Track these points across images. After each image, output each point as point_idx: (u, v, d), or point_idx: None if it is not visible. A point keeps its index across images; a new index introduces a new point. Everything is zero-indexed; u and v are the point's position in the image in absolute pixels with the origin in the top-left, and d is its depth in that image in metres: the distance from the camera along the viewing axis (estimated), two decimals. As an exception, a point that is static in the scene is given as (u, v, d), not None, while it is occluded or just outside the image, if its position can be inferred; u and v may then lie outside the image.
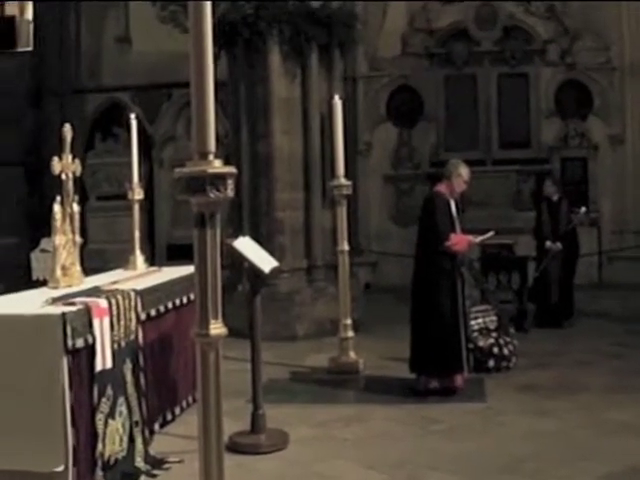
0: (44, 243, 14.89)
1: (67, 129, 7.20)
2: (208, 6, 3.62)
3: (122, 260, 8.83)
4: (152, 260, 11.12)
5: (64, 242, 7.19)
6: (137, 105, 18.53)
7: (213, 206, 3.57)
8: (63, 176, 7.18)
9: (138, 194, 8.51)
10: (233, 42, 12.17)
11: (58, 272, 7.13)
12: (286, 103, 12.34)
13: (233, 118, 12.56)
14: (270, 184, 12.24)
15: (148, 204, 16.41)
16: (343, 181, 9.91)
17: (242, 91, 12.41)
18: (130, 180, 8.50)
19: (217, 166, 3.55)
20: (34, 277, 14.98)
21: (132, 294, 6.75)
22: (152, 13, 18.89)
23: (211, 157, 3.56)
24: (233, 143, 12.48)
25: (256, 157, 12.35)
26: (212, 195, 3.52)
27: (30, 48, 20.86)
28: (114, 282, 7.32)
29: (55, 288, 6.95)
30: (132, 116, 8.50)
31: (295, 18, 12.03)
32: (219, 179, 3.53)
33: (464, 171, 8.72)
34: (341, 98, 10.23)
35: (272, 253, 8.10)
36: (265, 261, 7.31)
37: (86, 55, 19.49)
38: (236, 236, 7.92)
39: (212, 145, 3.57)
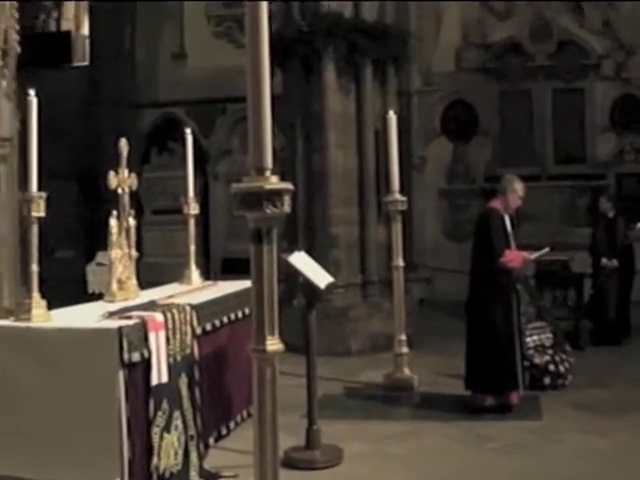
0: (100, 256, 14.99)
1: (123, 144, 7.26)
2: (265, 23, 3.62)
3: (177, 274, 8.85)
4: (207, 274, 11.15)
5: (120, 256, 7.24)
6: (192, 119, 18.65)
7: (270, 222, 3.58)
8: (119, 190, 7.23)
9: (194, 208, 8.53)
10: (288, 58, 12.21)
11: (114, 286, 7.17)
12: (341, 118, 12.35)
13: (288, 133, 12.58)
14: (325, 199, 12.24)
15: (203, 218, 16.49)
16: (398, 196, 9.88)
17: (297, 106, 12.44)
18: (186, 194, 8.53)
19: (274, 182, 3.56)
20: (90, 290, 15.08)
21: (188, 308, 6.76)
22: (207, 29, 19.11)
23: (268, 173, 3.56)
24: (288, 158, 12.49)
25: (311, 172, 12.37)
26: (269, 211, 3.52)
27: (86, 63, 21.09)
28: (170, 296, 7.34)
29: (111, 302, 6.99)
30: (187, 131, 8.53)
31: (350, 34, 12.04)
32: (276, 195, 3.53)
33: (519, 187, 8.66)
34: (395, 113, 10.21)
35: (327, 268, 8.08)
36: (321, 276, 7.30)
37: (141, 70, 19.67)
38: (291, 251, 7.92)
39: (269, 161, 3.57)
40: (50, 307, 6.26)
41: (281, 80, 12.38)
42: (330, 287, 7.60)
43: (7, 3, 13.64)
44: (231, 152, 18.99)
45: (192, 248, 8.55)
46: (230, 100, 17.92)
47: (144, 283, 7.82)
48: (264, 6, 3.61)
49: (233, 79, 15.81)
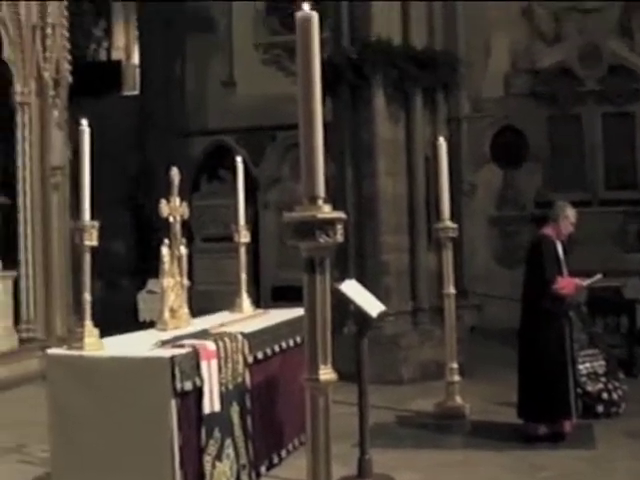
0: (151, 284, 15.08)
1: (175, 173, 7.30)
2: (316, 50, 3.62)
3: (228, 302, 8.86)
4: (257, 302, 11.16)
5: (172, 284, 7.27)
6: (242, 147, 18.73)
7: (323, 251, 3.56)
8: (171, 219, 7.27)
9: (244, 237, 8.55)
10: (338, 85, 12.22)
11: (166, 314, 7.19)
12: (391, 145, 12.34)
13: (338, 160, 12.57)
14: (375, 226, 12.22)
15: (253, 245, 16.54)
16: (449, 223, 9.83)
17: (347, 133, 12.44)
18: (236, 222, 8.54)
19: (326, 211, 3.54)
20: (141, 318, 15.18)
21: (239, 337, 6.77)
22: (256, 57, 19.23)
23: (320, 202, 3.55)
24: (338, 185, 12.49)
25: (361, 199, 12.35)
26: (322, 240, 3.50)
27: (136, 92, 21.30)
28: (221, 324, 7.35)
29: (163, 330, 7.01)
30: (238, 159, 8.55)
31: (399, 61, 12.05)
32: (328, 224, 3.52)
33: (571, 213, 8.61)
34: (445, 139, 10.18)
35: (377, 295, 8.05)
36: (372, 305, 7.28)
37: (191, 98, 19.83)
38: (343, 279, 7.91)
39: (321, 190, 3.56)
40: (102, 335, 6.30)
41: (330, 107, 12.40)
42: (381, 315, 7.57)
43: (58, 33, 13.83)
44: (281, 180, 19.06)
45: (243, 276, 8.57)
46: (280, 128, 18.02)
47: (195, 310, 7.84)
48: (316, 34, 3.61)
49: (282, 106, 15.91)
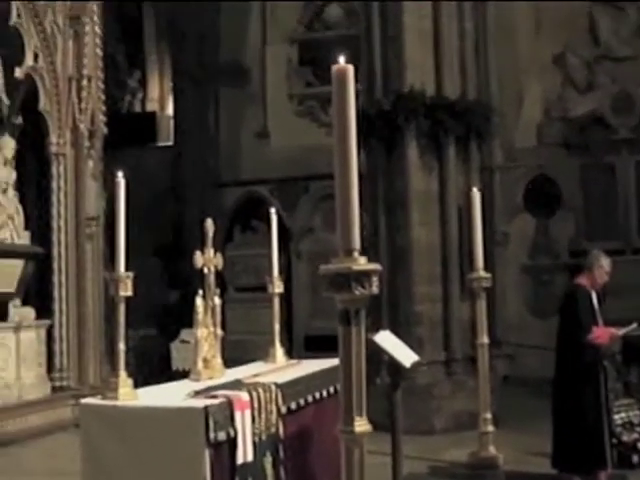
0: (184, 334, 15.10)
1: (209, 224, 7.32)
2: (352, 102, 3.66)
3: (261, 352, 8.85)
4: (290, 351, 11.15)
5: (206, 335, 7.26)
6: (275, 198, 18.82)
7: (358, 303, 3.58)
8: (205, 270, 7.29)
9: (278, 287, 8.54)
10: (371, 136, 12.27)
11: (200, 364, 7.19)
12: (424, 195, 12.36)
13: (371, 210, 12.59)
14: (408, 276, 12.21)
15: (286, 295, 16.53)
16: (482, 273, 9.80)
17: (381, 184, 12.47)
18: (270, 273, 8.55)
19: (362, 263, 3.56)
20: (174, 367, 15.19)
21: (273, 387, 6.75)
22: (289, 108, 19.35)
23: (356, 254, 3.57)
24: (371, 235, 12.50)
25: (394, 249, 12.36)
26: (357, 292, 3.52)
27: (170, 143, 21.47)
28: (255, 375, 7.33)
29: (197, 380, 7.00)
30: (272, 210, 8.56)
31: (432, 111, 12.10)
32: (364, 276, 3.53)
33: (605, 262, 8.57)
34: (479, 189, 10.19)
35: (410, 345, 8.05)
36: (406, 355, 7.27)
37: (225, 149, 19.95)
38: (376, 329, 7.90)
39: (357, 242, 3.58)
40: (135, 384, 6.31)
41: (364, 158, 12.44)
42: (415, 365, 7.55)
43: (94, 85, 14.00)
44: (314, 230, 19.09)
45: (277, 326, 8.55)
46: (313, 178, 18.11)
47: (228, 360, 7.84)
48: (351, 86, 3.65)
49: (315, 157, 16.00)
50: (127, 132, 20.06)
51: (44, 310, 13.27)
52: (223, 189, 19.74)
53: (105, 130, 14.20)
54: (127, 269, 6.28)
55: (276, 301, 8.54)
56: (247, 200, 19.59)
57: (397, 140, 12.23)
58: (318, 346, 15.01)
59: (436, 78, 12.50)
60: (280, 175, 18.85)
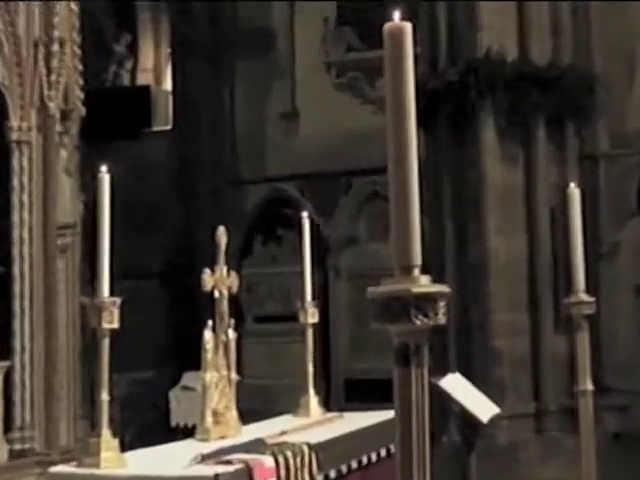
0: (186, 378, 15.14)
1: (221, 233, 7.31)
2: (410, 70, 3.62)
3: (290, 402, 8.85)
4: (327, 401, 11.13)
5: (217, 380, 7.26)
6: (307, 199, 18.80)
7: (420, 336, 3.53)
8: (216, 293, 7.28)
9: (312, 316, 8.52)
10: (433, 117, 12.26)
11: (209, 419, 7.18)
12: (504, 193, 12.34)
13: (434, 214, 12.57)
14: (484, 302, 12.19)
15: (321, 326, 16.55)
16: (584, 297, 9.72)
17: (446, 179, 12.47)
18: (301, 297, 8.53)
19: (424, 284, 3.51)
20: (173, 422, 15.22)
21: (305, 449, 6.74)
22: (325, 81, 19.34)
23: (416, 272, 3.52)
24: (434, 247, 12.48)
25: (464, 266, 12.34)
26: (418, 322, 3.47)
27: (169, 127, 21.49)
28: (282, 433, 7.33)
29: (205, 440, 7.00)
30: (304, 214, 8.55)
31: (515, 83, 12.07)
32: (427, 301, 3.48)
33: None
34: (578, 186, 10.12)
35: (488, 393, 8.01)
36: (482, 406, 7.23)
37: (242, 136, 19.95)
38: (443, 372, 7.87)
39: (417, 256, 3.53)
40: (123, 447, 6.30)
41: (424, 145, 12.40)
42: (494, 420, 7.52)
43: (68, 51, 14.04)
44: (357, 240, 19.06)
45: (310, 368, 8.54)
46: (356, 172, 18.08)
47: (245, 412, 7.84)
48: (409, 50, 3.60)
49: (360, 145, 16.00)
50: (112, 113, 20.12)
51: (1, 348, 13.30)
52: (239, 188, 19.76)
53: (83, 110, 14.21)
54: (113, 293, 6.28)
55: (309, 334, 8.55)
56: (271, 202, 19.60)
57: (468, 121, 12.22)
58: (364, 394, 14.98)
59: (520, 39, 12.48)
60: (313, 169, 18.84)
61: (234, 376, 7.40)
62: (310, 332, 8.57)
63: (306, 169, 18.92)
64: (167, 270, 19.41)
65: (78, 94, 14.14)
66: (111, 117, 19.72)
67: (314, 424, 8.04)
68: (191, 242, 18.52)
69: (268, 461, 6.21)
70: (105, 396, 6.23)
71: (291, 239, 17.09)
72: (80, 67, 14.27)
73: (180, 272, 18.20)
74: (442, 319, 3.52)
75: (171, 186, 20.02)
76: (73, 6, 14.19)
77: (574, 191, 9.93)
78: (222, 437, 7.08)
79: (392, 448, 6.87)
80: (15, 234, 13.64)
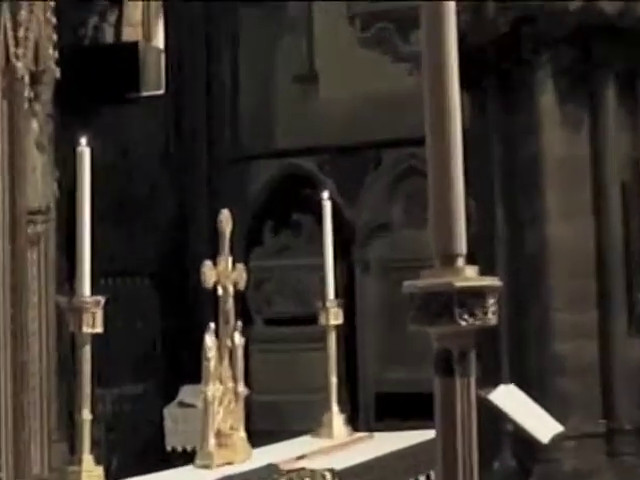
0: (184, 393, 15.21)
1: (225, 217, 7.33)
2: (452, 21, 3.62)
3: (309, 420, 8.89)
4: (354, 418, 11.16)
5: (221, 394, 7.29)
6: (328, 176, 18.78)
7: (465, 340, 3.54)
8: (219, 290, 7.30)
9: (334, 317, 8.54)
10: (479, 78, 12.25)
11: (211, 442, 7.21)
12: (566, 167, 12.31)
13: (482, 194, 12.55)
14: (542, 298, 12.17)
15: (346, 329, 16.56)
16: (663, 292, 9.77)
17: (495, 151, 12.45)
18: (322, 295, 8.55)
19: (470, 277, 3.52)
20: (168, 446, 15.29)
21: (328, 476, 6.76)
22: (349, 36, 19.30)
23: (461, 263, 3.53)
24: (481, 232, 12.46)
25: (519, 255, 12.32)
26: (463, 322, 3.48)
27: (162, 92, 21.50)
28: (299, 457, 7.35)
29: (207, 467, 7.04)
30: (324, 195, 8.56)
31: (579, 33, 12.05)
32: (474, 297, 3.49)
33: None
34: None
35: (548, 408, 8.03)
36: (541, 424, 7.24)
37: (249, 103, 19.95)
38: (493, 383, 7.88)
39: (462, 244, 3.53)
40: (109, 476, 6.33)
41: (469, 111, 12.39)
42: (556, 440, 7.53)
43: (38, 3, 14.07)
44: (389, 226, 19.05)
45: (333, 380, 8.56)
46: (387, 144, 18.08)
47: (254, 433, 7.87)
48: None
49: (391, 112, 16.00)
50: (93, 75, 20.15)
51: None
52: (247, 165, 19.76)
53: (57, 72, 14.25)
54: (95, 291, 6.30)
55: (332, 339, 8.58)
56: (283, 181, 19.62)
57: (523, 81, 12.20)
58: (398, 410, 15.04)
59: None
60: (335, 141, 18.84)
61: (242, 389, 7.43)
62: (333, 336, 8.59)
63: (326, 141, 18.93)
64: (160, 264, 19.44)
65: (51, 53, 14.15)
66: (91, 80, 19.76)
67: (338, 447, 8.07)
68: (188, 230, 18.56)
69: (283, 492, 6.25)
70: (87, 415, 6.26)
71: (309, 225, 17.16)
72: (54, 20, 14.28)
73: (175, 266, 18.25)
74: (492, 319, 3.53)
75: (163, 162, 20.06)
76: (44, -55, 14.23)
77: (651, 163, 9.95)
78: (228, 463, 7.11)
79: (432, 475, 6.91)
80: (-25, 221, 13.71)
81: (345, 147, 18.85)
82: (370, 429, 9.10)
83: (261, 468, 6.89)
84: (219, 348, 7.24)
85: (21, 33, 13.82)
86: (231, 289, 7.34)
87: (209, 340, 7.14)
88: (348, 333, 17.46)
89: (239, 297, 7.59)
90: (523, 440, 7.07)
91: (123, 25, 23.55)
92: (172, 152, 20.09)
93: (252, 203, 19.45)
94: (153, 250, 19.51)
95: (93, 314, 6.24)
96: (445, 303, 3.48)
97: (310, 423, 8.78)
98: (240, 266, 7.40)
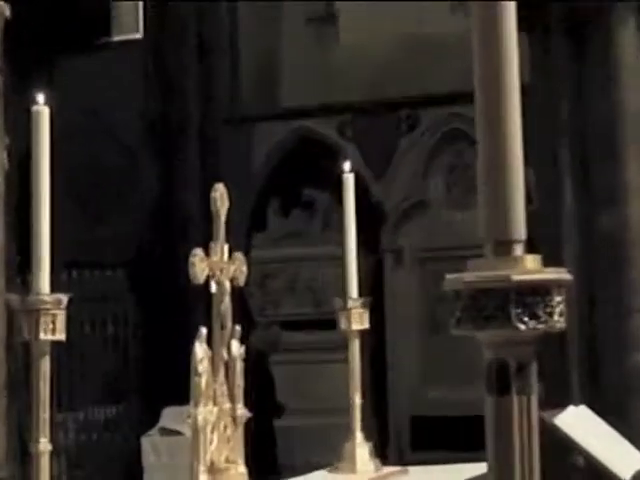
0: (167, 417, 15.22)
1: (220, 193, 7.32)
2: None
3: (326, 450, 8.91)
4: (383, 448, 11.18)
5: (214, 418, 7.29)
6: (349, 141, 18.79)
7: (524, 348, 3.53)
8: (212, 286, 7.30)
9: (359, 320, 8.55)
10: (542, 18, 12.27)
11: (203, 477, 7.22)
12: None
13: (544, 165, 12.55)
14: (622, 294, 12.18)
15: (375, 335, 16.59)
16: None
17: (562, 111, 12.46)
18: (343, 293, 8.55)
19: (532, 268, 3.50)
20: (147, 481, 15.32)
21: (350, 522, 6.81)
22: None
23: (519, 251, 3.51)
24: (545, 214, 12.46)
25: (592, 242, 12.33)
26: (522, 326, 3.46)
27: (139, 36, 21.52)
28: (314, 498, 7.39)
29: (199, 511, 7.06)
30: (345, 167, 8.54)
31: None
32: (536, 294, 3.48)
33: None
34: None
35: (628, 434, 8.03)
36: (621, 456, 7.23)
37: (251, 51, 19.98)
38: (560, 404, 7.88)
39: (521, 228, 3.52)
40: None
41: (528, 61, 12.38)
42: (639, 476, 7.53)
43: None
44: (428, 206, 19.06)
45: (357, 399, 8.57)
46: (424, 103, 18.09)
47: (258, 467, 7.88)
48: None
49: (429, 60, 16.03)
50: (54, 16, 20.19)
51: None
52: (248, 128, 19.80)
53: (7, 11, 14.30)
54: (56, 287, 6.29)
55: (355, 347, 8.58)
56: (294, 148, 19.65)
57: (596, 23, 12.21)
58: (439, 438, 15.05)
59: None
60: (358, 98, 18.87)
61: (241, 412, 7.42)
62: (356, 345, 8.58)
63: (347, 97, 18.96)
64: (137, 253, 19.47)
65: (-1, -13, 14.25)
66: (52, 22, 19.78)
67: (363, 484, 8.09)
68: (174, 211, 18.58)
69: (293, 540, 6.29)
70: (44, 446, 6.25)
71: (325, 205, 17.17)
72: (3, -55, 14.38)
73: (157, 256, 18.29)
74: (559, 322, 3.51)
75: (143, 125, 20.08)
76: None
77: None
78: (224, 505, 7.13)
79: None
80: None
81: (371, 105, 18.86)
82: (404, 462, 9.10)
83: (267, 511, 6.92)
84: (212, 360, 7.24)
85: (-38, -38, 13.92)
86: (228, 285, 7.33)
87: (199, 349, 7.12)
88: (376, 341, 17.50)
89: (238, 295, 7.60)
90: (597, 474, 7.06)
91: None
92: (154, 112, 20.09)
93: (254, 176, 19.50)
94: (129, 236, 19.54)
95: (53, 316, 6.22)
96: (499, 302, 3.46)
97: (328, 454, 8.79)
98: (239, 256, 7.39)
